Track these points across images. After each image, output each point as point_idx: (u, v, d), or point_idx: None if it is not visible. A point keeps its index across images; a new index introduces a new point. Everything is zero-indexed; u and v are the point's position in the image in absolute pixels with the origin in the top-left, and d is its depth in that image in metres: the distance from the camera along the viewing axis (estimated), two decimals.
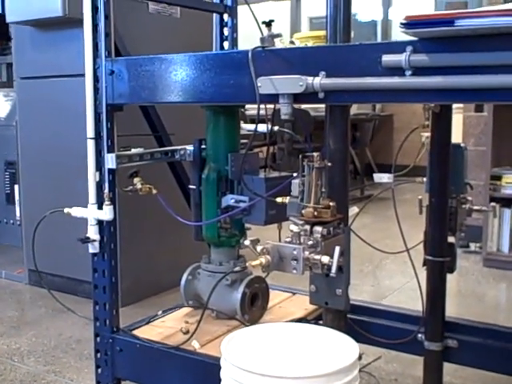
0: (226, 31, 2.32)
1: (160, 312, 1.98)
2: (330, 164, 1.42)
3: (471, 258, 3.53)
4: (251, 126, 2.19)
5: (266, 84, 1.41)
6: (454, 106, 4.55)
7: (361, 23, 7.96)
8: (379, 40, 7.44)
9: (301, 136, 4.80)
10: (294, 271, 1.31)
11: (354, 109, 5.95)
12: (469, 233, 3.52)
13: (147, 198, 1.88)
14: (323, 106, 1.47)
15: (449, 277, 1.99)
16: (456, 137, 3.49)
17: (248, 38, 1.99)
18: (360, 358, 1.37)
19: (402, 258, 1.83)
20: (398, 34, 1.25)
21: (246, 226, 1.95)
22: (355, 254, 1.55)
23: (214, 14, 2.30)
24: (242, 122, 2.10)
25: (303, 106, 4.67)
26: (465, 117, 3.70)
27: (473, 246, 3.64)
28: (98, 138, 1.79)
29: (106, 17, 1.77)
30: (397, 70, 1.27)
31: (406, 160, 1.83)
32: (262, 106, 1.47)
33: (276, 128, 2.23)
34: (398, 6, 7.38)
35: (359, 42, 1.37)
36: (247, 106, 1.57)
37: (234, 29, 2.31)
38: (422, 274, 1.85)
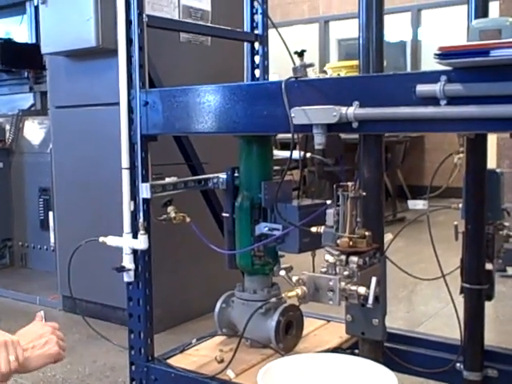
0: (257, 59, 2.33)
1: (194, 340, 1.98)
2: (364, 193, 1.42)
3: (509, 283, 3.45)
4: (284, 153, 2.21)
5: (299, 114, 1.41)
6: None
7: (389, 44, 7.95)
8: (409, 60, 7.43)
9: (331, 159, 4.80)
10: (331, 302, 1.30)
11: None
12: (506, 257, 3.47)
13: (180, 226, 1.89)
14: None
15: (486, 302, 1.95)
16: (490, 158, 3.45)
17: (279, 59, 2.00)
18: None
19: (437, 283, 1.81)
20: (427, 55, 1.25)
21: (280, 253, 1.95)
22: (389, 278, 1.54)
23: (246, 43, 2.32)
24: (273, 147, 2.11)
25: None
26: (499, 138, 3.65)
27: (510, 271, 3.56)
28: (132, 167, 1.82)
29: (141, 48, 1.80)
30: (431, 100, 1.27)
31: (439, 181, 1.81)
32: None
33: (308, 154, 2.24)
34: (427, 26, 7.36)
35: (390, 68, 1.37)
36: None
37: (265, 57, 2.32)
38: (458, 299, 1.83)
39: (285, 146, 3.04)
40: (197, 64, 2.92)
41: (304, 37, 8.05)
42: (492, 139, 3.76)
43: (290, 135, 1.44)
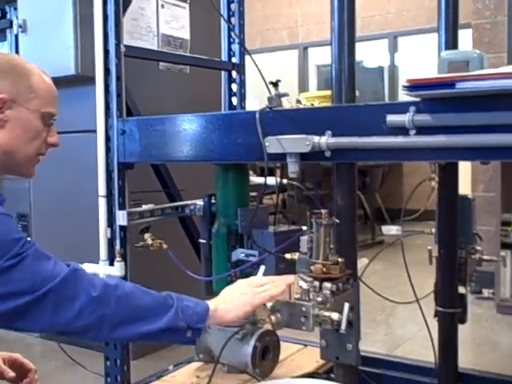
0: (234, 87, 2.38)
1: (171, 367, 1.98)
2: (337, 221, 1.44)
3: (484, 305, 3.50)
4: (260, 180, 2.23)
5: (273, 144, 1.44)
6: None
7: (368, 69, 8.07)
8: (386, 85, 7.54)
9: (309, 184, 4.83)
10: (304, 328, 1.32)
11: None
12: (481, 279, 3.53)
13: (157, 253, 1.90)
14: None
15: (462, 324, 1.98)
16: (465, 183, 3.51)
17: (260, 84, 2.04)
18: None
19: (414, 306, 1.83)
20: (404, 79, 1.28)
21: None
22: (367, 301, 1.56)
23: (223, 71, 2.36)
24: (251, 172, 2.14)
25: None
26: (473, 164, 3.72)
27: (486, 293, 3.61)
28: (109, 195, 1.83)
29: (118, 78, 1.83)
30: (401, 130, 1.30)
31: (416, 204, 1.85)
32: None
33: (285, 181, 2.27)
34: (403, 51, 7.50)
35: (368, 92, 1.40)
36: None
37: (242, 85, 2.37)
38: (434, 322, 1.86)
39: (263, 171, 3.08)
40: (176, 91, 2.95)
41: (284, 63, 8.15)
42: (467, 164, 3.83)
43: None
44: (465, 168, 3.76)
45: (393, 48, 7.55)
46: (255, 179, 2.20)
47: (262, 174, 3.62)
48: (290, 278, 1.41)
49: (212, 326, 1.96)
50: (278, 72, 1.77)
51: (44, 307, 1.16)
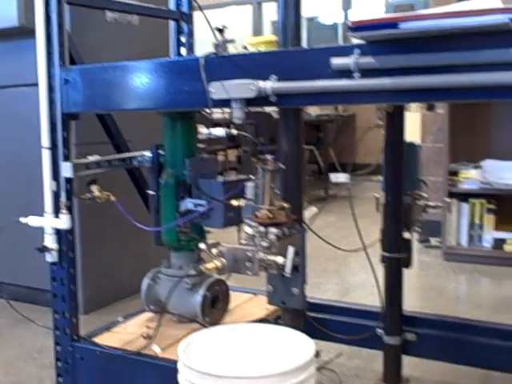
0: (182, 38, 2.33)
1: (121, 318, 1.98)
2: (283, 166, 1.45)
3: (432, 253, 3.60)
4: (210, 131, 2.22)
5: (218, 89, 1.42)
6: (413, 104, 4.62)
7: (323, 26, 8.03)
8: (341, 42, 7.52)
9: (263, 139, 4.82)
10: (249, 272, 1.33)
11: (317, 110, 6.01)
12: (429, 228, 3.62)
13: (110, 206, 1.88)
14: None
15: (410, 271, 2.03)
16: (414, 135, 3.55)
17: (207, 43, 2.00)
18: (317, 355, 1.40)
19: (364, 255, 1.87)
20: None
21: (207, 229, 1.96)
22: (319, 253, 1.58)
23: (171, 21, 2.31)
24: (203, 126, 2.12)
25: (266, 110, 4.71)
26: (423, 115, 3.77)
27: (433, 241, 3.72)
28: (53, 147, 1.79)
29: (60, 26, 1.76)
30: (346, 73, 1.30)
31: (370, 159, 1.87)
32: (226, 109, 1.48)
33: (235, 132, 2.26)
34: (357, 8, 7.47)
35: (317, 44, 1.39)
36: (212, 110, 1.59)
37: (190, 35, 2.32)
38: (381, 268, 1.90)
39: (218, 125, 3.06)
40: (124, 44, 2.88)
41: (238, 18, 8.03)
42: (416, 115, 3.88)
43: (223, 115, 1.45)
44: (414, 119, 3.81)
45: (346, 4, 7.51)
46: (204, 130, 2.17)
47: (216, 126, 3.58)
48: None
49: (162, 276, 1.97)
50: (232, 29, 1.72)
51: None
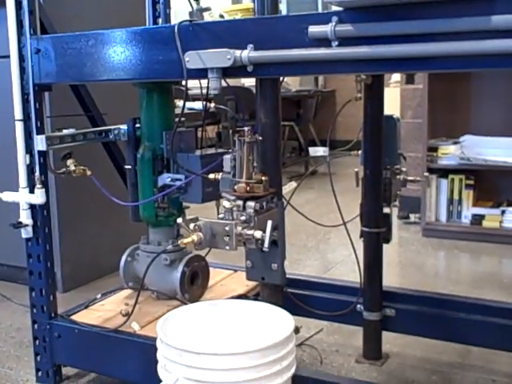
0: (158, 7, 2.27)
1: (99, 295, 1.95)
2: (261, 138, 1.41)
3: (411, 229, 3.60)
4: (188, 104, 2.17)
5: (193, 59, 1.38)
6: (392, 79, 4.59)
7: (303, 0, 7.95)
8: None
9: (243, 114, 4.77)
10: (227, 247, 1.30)
11: (297, 85, 5.96)
12: (408, 204, 3.62)
13: (88, 182, 1.83)
14: None
15: (389, 247, 2.01)
16: (394, 110, 3.53)
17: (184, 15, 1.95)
18: (297, 331, 1.38)
19: (344, 231, 1.85)
20: None
21: (186, 204, 1.93)
22: (299, 229, 1.56)
23: None
24: (180, 100, 2.07)
25: (246, 85, 4.66)
26: (402, 90, 3.75)
27: (412, 217, 3.71)
28: (26, 119, 1.74)
29: None
30: (324, 41, 1.27)
31: (350, 135, 1.84)
32: (204, 83, 1.44)
33: (212, 105, 2.22)
34: None
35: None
36: (190, 85, 1.54)
37: (167, 5, 2.26)
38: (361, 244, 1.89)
39: (197, 100, 2.99)
40: (99, 14, 2.81)
41: None
42: (396, 91, 3.86)
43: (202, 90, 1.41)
44: (393, 95, 3.79)
45: None
46: (180, 103, 2.12)
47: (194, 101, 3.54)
48: None
49: (140, 252, 1.94)
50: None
51: None
